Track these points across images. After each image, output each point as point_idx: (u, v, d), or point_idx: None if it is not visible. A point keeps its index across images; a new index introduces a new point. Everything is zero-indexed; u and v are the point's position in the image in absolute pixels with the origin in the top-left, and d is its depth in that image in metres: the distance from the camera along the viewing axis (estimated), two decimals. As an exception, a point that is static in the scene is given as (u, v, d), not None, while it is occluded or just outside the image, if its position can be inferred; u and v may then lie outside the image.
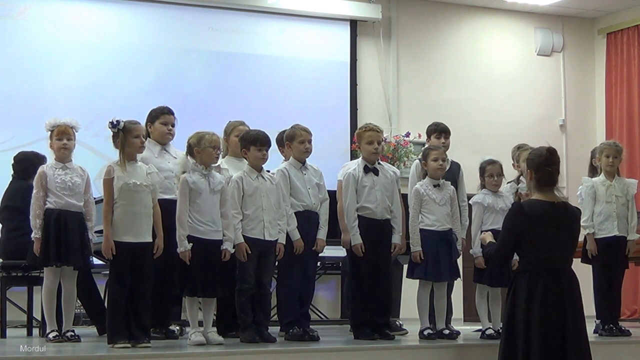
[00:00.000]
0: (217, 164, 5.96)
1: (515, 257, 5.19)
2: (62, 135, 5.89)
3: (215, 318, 6.13)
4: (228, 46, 10.56)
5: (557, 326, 4.67)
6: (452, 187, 6.53)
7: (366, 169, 6.26)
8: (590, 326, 7.13)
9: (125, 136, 5.59)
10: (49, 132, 5.92)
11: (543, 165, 4.86)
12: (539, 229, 4.76)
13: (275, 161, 6.67)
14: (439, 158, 6.41)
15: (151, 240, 5.59)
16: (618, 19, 11.98)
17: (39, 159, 6.59)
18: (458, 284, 6.97)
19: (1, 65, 9.61)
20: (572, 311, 4.71)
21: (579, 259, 7.30)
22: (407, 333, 6.86)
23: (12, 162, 7.18)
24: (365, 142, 6.27)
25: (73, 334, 5.89)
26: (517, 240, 4.81)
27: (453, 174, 6.94)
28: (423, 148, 6.75)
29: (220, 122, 6.88)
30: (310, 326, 6.22)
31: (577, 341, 4.71)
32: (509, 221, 4.92)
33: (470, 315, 9.42)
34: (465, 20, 11.79)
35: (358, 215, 6.19)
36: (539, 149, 4.98)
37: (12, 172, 7.17)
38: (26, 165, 6.85)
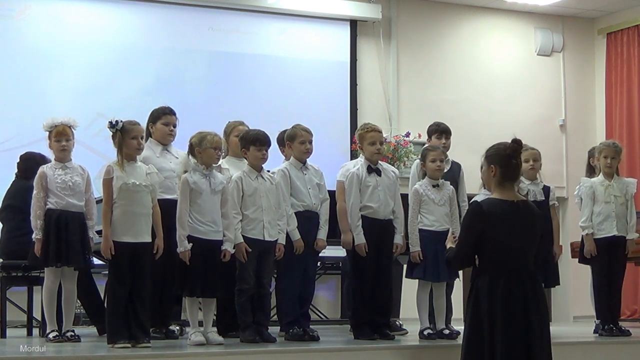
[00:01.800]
0: (217, 164, 5.97)
1: None
2: (61, 137, 5.89)
3: (215, 318, 6.13)
4: (228, 46, 10.57)
5: (522, 327, 4.54)
6: (452, 187, 6.53)
7: (369, 169, 6.27)
8: (590, 326, 7.15)
9: (123, 137, 5.59)
10: (47, 133, 5.92)
11: (509, 157, 4.67)
12: (498, 229, 4.60)
13: (276, 161, 6.67)
14: (437, 159, 6.41)
15: (150, 241, 5.59)
16: (618, 19, 11.98)
17: (45, 161, 6.48)
18: (458, 284, 6.97)
19: (1, 65, 9.62)
20: (536, 312, 4.58)
21: (577, 259, 7.32)
22: (407, 333, 6.87)
23: (18, 160, 7.17)
24: (368, 143, 6.27)
25: (73, 334, 5.89)
26: (476, 241, 4.65)
27: (454, 174, 6.95)
28: (422, 148, 6.74)
29: (221, 122, 6.88)
30: (310, 326, 6.22)
31: (543, 341, 4.57)
32: (468, 221, 4.76)
33: (470, 315, 9.40)
34: (465, 20, 11.79)
35: (361, 215, 6.19)
36: (501, 143, 4.75)
37: (16, 170, 7.16)
38: (31, 165, 6.80)
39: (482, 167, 6.35)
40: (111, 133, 5.65)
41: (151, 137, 6.41)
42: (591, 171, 7.20)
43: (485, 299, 4.62)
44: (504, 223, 4.64)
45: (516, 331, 4.55)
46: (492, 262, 4.66)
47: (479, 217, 4.66)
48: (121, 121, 5.61)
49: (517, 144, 4.73)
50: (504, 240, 4.63)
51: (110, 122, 5.61)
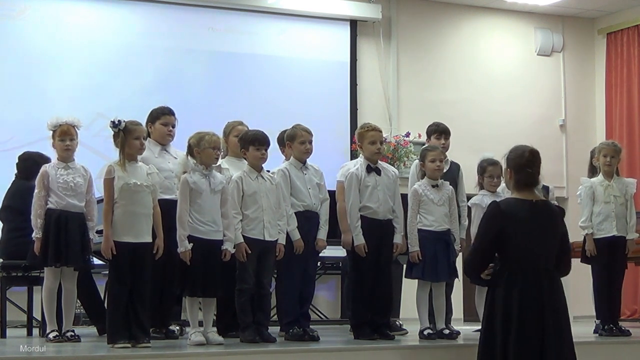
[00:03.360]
0: (217, 164, 5.97)
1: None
2: (65, 136, 5.88)
3: (215, 318, 6.13)
4: (228, 46, 10.57)
5: (535, 326, 4.56)
6: (451, 187, 6.53)
7: (369, 169, 6.26)
8: (590, 326, 7.15)
9: (125, 137, 5.58)
10: (51, 132, 5.92)
11: (524, 167, 4.75)
12: (516, 228, 4.65)
13: (277, 161, 6.67)
14: (437, 159, 6.41)
15: (151, 241, 5.58)
16: (618, 19, 11.98)
17: (44, 160, 6.47)
18: (458, 284, 6.96)
19: (1, 65, 9.62)
20: (551, 312, 4.59)
21: (579, 259, 7.32)
22: (407, 333, 6.87)
23: (17, 161, 7.17)
24: (368, 142, 6.26)
25: (73, 334, 5.89)
26: (493, 241, 4.68)
27: (453, 174, 6.95)
28: (421, 149, 6.75)
29: (220, 122, 6.88)
30: (310, 326, 6.22)
31: (558, 343, 4.57)
32: (486, 221, 4.79)
33: (470, 315, 9.42)
34: (465, 20, 11.79)
35: (360, 215, 6.19)
36: (520, 149, 4.82)
37: (15, 171, 7.16)
38: (30, 165, 6.81)
39: (479, 171, 6.41)
40: (112, 133, 5.64)
41: (150, 137, 6.40)
42: (594, 171, 7.19)
43: (501, 299, 4.64)
44: (522, 222, 4.67)
45: (530, 332, 4.55)
46: (509, 261, 4.69)
47: (498, 217, 4.70)
48: (124, 121, 5.61)
49: (532, 155, 4.79)
50: (522, 240, 4.65)
51: (113, 122, 5.60)
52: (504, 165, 4.94)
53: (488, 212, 4.81)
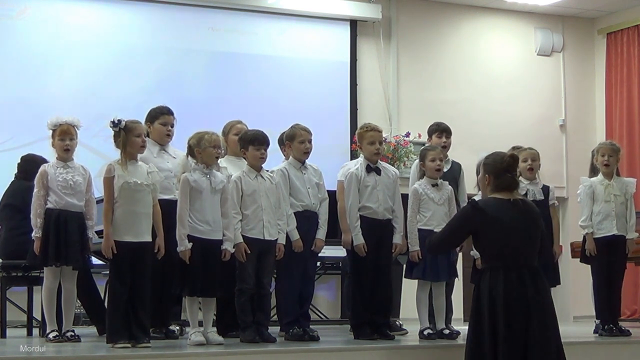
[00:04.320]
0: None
1: (476, 254, 5.33)
2: (65, 136, 5.88)
3: (215, 318, 6.13)
4: (228, 46, 10.57)
5: (521, 324, 4.57)
6: (451, 187, 6.52)
7: (368, 169, 6.26)
8: (590, 326, 7.15)
9: (126, 135, 5.58)
10: (51, 131, 5.91)
11: (504, 171, 4.81)
12: (495, 226, 4.69)
13: (277, 160, 6.67)
14: (437, 158, 6.41)
15: (151, 240, 5.58)
16: (618, 19, 11.98)
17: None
18: (458, 284, 6.95)
19: (1, 65, 9.61)
20: (538, 311, 4.61)
21: (579, 259, 7.32)
22: (407, 333, 6.87)
23: (19, 161, 7.17)
24: (367, 142, 6.26)
25: (73, 334, 5.89)
26: (466, 236, 4.84)
27: (454, 174, 6.95)
28: (421, 149, 6.74)
29: (220, 122, 6.88)
30: (310, 326, 6.22)
31: (543, 340, 4.58)
32: (463, 214, 4.89)
33: (470, 315, 9.41)
34: (465, 20, 11.79)
35: (360, 215, 6.19)
36: (498, 155, 4.91)
37: (15, 171, 7.16)
38: (31, 167, 6.77)
39: (478, 171, 6.42)
40: (112, 133, 5.63)
41: (148, 136, 6.39)
42: (595, 171, 7.19)
43: (486, 298, 4.64)
44: (502, 220, 4.70)
45: (517, 330, 4.55)
46: (492, 258, 4.70)
47: (476, 214, 4.74)
48: (123, 120, 5.61)
49: (513, 159, 4.86)
50: (503, 238, 4.67)
51: (113, 122, 5.59)
52: (480, 172, 4.97)
53: (466, 208, 4.89)
